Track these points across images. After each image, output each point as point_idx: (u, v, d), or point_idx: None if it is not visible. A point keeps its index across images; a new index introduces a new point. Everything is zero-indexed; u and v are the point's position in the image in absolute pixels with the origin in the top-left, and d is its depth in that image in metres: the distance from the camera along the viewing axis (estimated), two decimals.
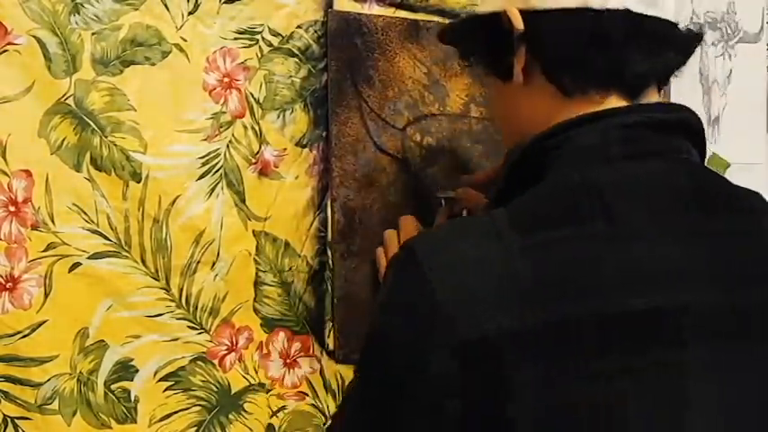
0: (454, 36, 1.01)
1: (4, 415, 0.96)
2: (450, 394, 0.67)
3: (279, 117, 1.09)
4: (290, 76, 1.10)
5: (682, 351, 0.69)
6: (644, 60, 0.77)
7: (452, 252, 0.71)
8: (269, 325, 1.10)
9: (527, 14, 0.79)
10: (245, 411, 1.09)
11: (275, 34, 1.09)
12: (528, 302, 0.67)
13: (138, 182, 1.01)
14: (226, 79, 1.06)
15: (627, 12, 0.76)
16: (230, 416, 1.08)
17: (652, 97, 0.80)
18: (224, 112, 1.06)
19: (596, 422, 0.67)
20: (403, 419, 0.71)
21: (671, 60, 0.81)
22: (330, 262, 1.13)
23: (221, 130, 1.06)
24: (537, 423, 0.66)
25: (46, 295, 0.98)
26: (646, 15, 0.77)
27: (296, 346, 1.11)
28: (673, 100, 1.37)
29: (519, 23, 0.79)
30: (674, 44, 0.80)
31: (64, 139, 0.98)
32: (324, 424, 1.13)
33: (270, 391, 1.10)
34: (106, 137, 1.00)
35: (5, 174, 0.96)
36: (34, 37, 0.96)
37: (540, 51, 0.80)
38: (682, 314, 0.70)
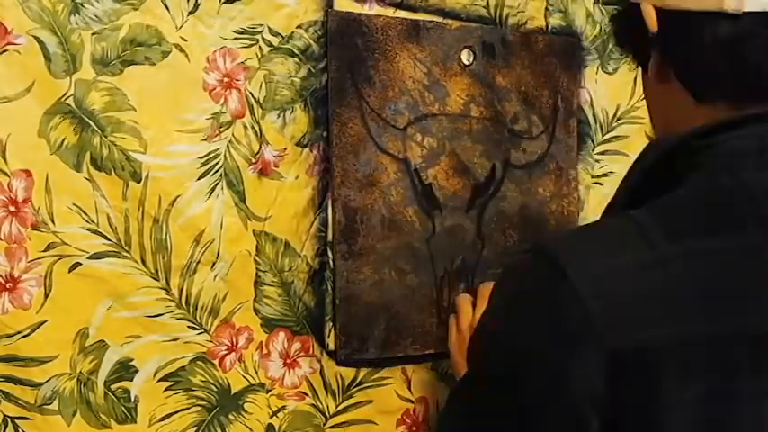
0: (615, 22, 0.94)
1: (4, 415, 0.97)
2: (595, 407, 0.64)
3: (279, 117, 1.09)
4: (291, 76, 1.10)
5: None
6: None
7: (600, 260, 0.66)
8: (269, 325, 1.10)
9: (662, 14, 0.74)
10: (245, 411, 1.09)
11: (275, 34, 1.09)
12: (684, 315, 0.64)
13: (138, 182, 1.01)
14: (226, 79, 1.06)
15: (767, 15, 0.70)
16: (230, 416, 1.08)
17: None
18: (224, 112, 1.06)
19: None
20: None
21: None
22: (330, 262, 1.13)
23: (221, 130, 1.06)
24: None
25: (46, 295, 0.98)
26: None
27: (296, 346, 1.11)
28: None
29: (653, 24, 0.75)
30: None
31: (64, 139, 0.98)
32: (323, 424, 1.13)
33: (270, 391, 1.10)
34: (106, 137, 1.00)
35: (5, 174, 0.96)
36: (34, 37, 0.96)
37: (673, 55, 0.75)
38: None
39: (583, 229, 0.74)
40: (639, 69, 0.84)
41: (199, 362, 1.06)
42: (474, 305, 1.12)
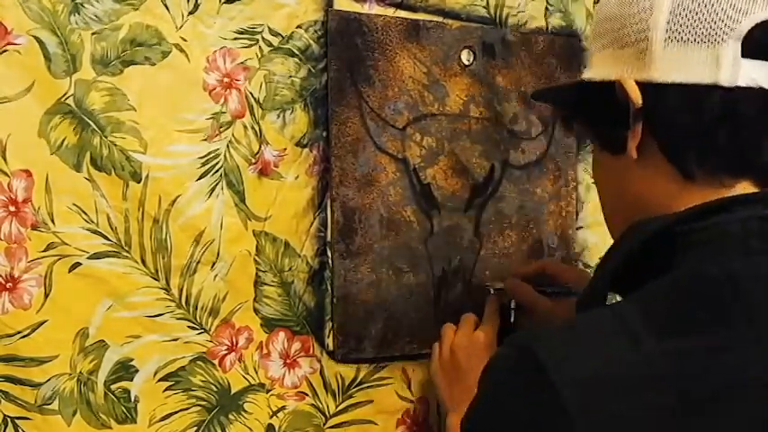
0: (556, 100, 0.94)
1: (4, 415, 0.96)
2: None
3: (279, 117, 1.09)
4: (290, 76, 1.10)
5: None
6: None
7: (582, 363, 0.63)
8: (269, 325, 1.10)
9: (645, 87, 0.72)
10: (245, 411, 1.09)
11: (275, 34, 1.09)
12: (665, 420, 0.61)
13: (138, 182, 1.01)
14: (226, 79, 1.06)
15: (761, 90, 0.69)
16: (230, 416, 1.08)
17: None
18: (224, 112, 1.06)
19: None
20: None
21: None
22: (330, 262, 1.13)
23: (221, 130, 1.06)
24: None
25: (46, 295, 0.98)
26: None
27: (296, 346, 1.11)
28: None
29: (637, 98, 0.72)
30: None
31: (64, 139, 0.98)
32: (323, 424, 1.13)
33: (270, 391, 1.10)
34: (106, 137, 1.00)
35: (5, 174, 0.96)
36: (34, 37, 0.96)
37: (660, 130, 0.73)
38: None
39: (568, 327, 0.70)
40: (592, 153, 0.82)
41: (199, 362, 1.06)
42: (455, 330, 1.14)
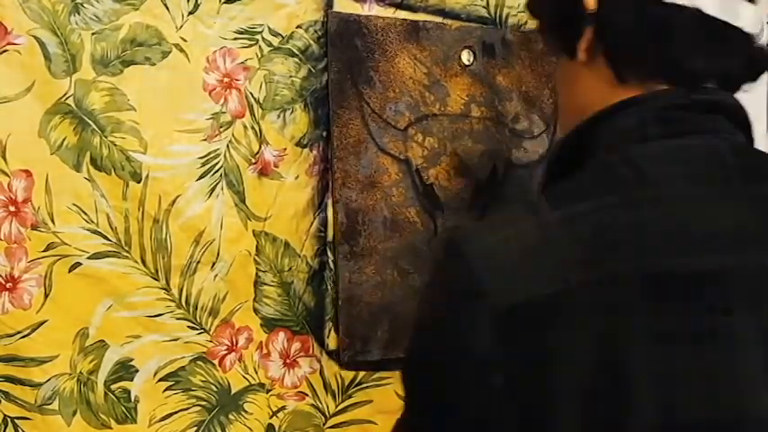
0: (531, 6, 0.99)
1: (5, 415, 0.97)
2: (494, 368, 0.67)
3: (279, 117, 1.09)
4: (291, 76, 1.10)
5: (729, 317, 0.68)
6: (703, 60, 0.76)
7: (489, 235, 0.72)
8: (269, 325, 1.10)
9: None
10: (245, 411, 1.09)
11: (275, 34, 1.09)
12: (567, 267, 0.67)
13: (138, 182, 1.01)
14: (226, 79, 1.06)
15: (697, 11, 0.75)
16: (230, 416, 1.08)
17: None
18: (224, 112, 1.06)
19: (641, 384, 0.66)
20: (453, 401, 0.71)
21: (734, 67, 0.78)
22: (330, 262, 1.12)
23: (221, 130, 1.06)
24: (579, 387, 0.66)
25: (46, 295, 0.98)
26: (717, 19, 0.75)
27: (295, 346, 1.11)
28: None
29: (591, 2, 0.78)
30: (741, 54, 0.78)
31: (64, 139, 0.98)
32: (323, 424, 1.13)
33: (270, 391, 1.10)
34: (106, 137, 1.00)
35: (5, 174, 0.96)
36: (34, 37, 0.96)
37: (606, 35, 0.79)
38: (729, 277, 0.68)
39: (487, 217, 0.83)
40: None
41: (199, 362, 1.06)
42: None
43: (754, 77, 0.81)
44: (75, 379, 1.00)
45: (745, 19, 0.76)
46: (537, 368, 0.66)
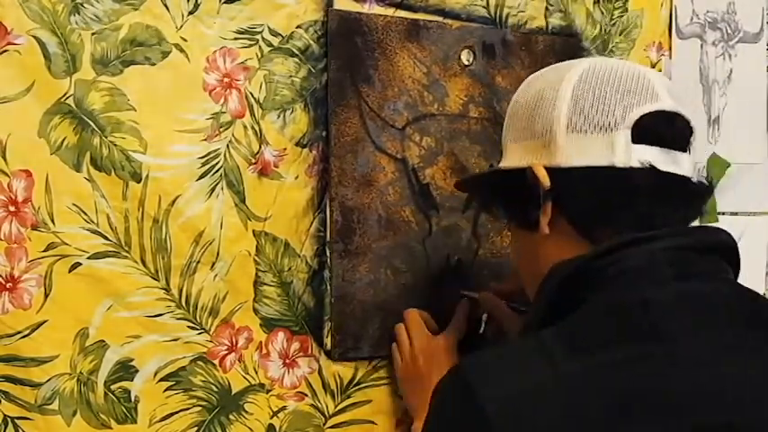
0: (474, 188, 1.04)
1: (5, 415, 0.97)
2: None
3: (279, 117, 1.09)
4: (290, 76, 1.10)
5: None
6: (669, 212, 0.81)
7: (507, 383, 0.71)
8: (268, 325, 1.10)
9: (552, 171, 0.82)
10: (246, 411, 1.09)
11: (275, 34, 1.09)
12: (585, 427, 0.67)
13: (138, 182, 1.01)
14: (226, 79, 1.06)
15: (651, 168, 0.79)
16: (230, 416, 1.08)
17: None
18: (224, 112, 1.06)
19: None
20: None
21: (692, 211, 0.84)
22: (329, 261, 1.13)
23: (221, 130, 1.06)
24: None
25: (46, 295, 0.98)
26: (667, 172, 0.80)
27: (295, 346, 1.11)
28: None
29: (546, 181, 0.82)
30: (694, 197, 0.84)
31: (64, 139, 0.98)
32: (323, 424, 1.13)
33: (270, 391, 1.10)
34: (106, 137, 1.00)
35: (5, 174, 0.96)
36: (34, 37, 0.96)
37: (567, 206, 0.83)
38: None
39: (496, 352, 0.80)
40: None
41: (199, 362, 1.06)
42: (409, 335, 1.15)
43: (700, 212, 0.86)
44: (76, 379, 1.00)
45: (685, 167, 0.82)
46: None
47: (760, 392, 0.71)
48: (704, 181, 0.85)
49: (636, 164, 0.79)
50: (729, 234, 0.83)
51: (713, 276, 0.79)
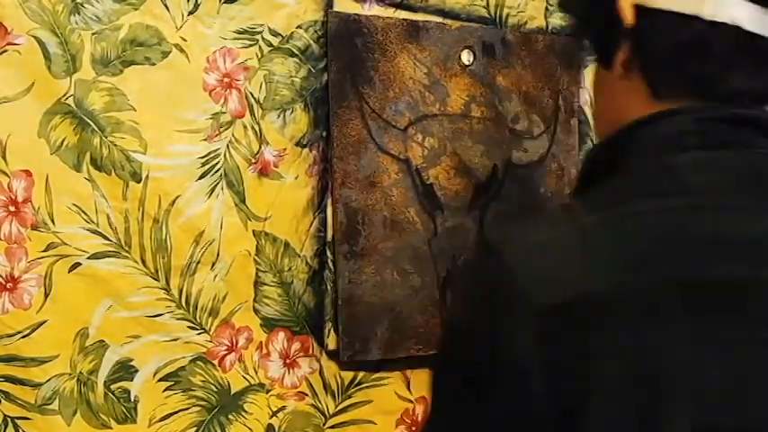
0: (569, 7, 0.97)
1: (5, 415, 0.97)
2: (534, 370, 0.66)
3: (279, 117, 1.09)
4: (291, 76, 1.10)
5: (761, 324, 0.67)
6: (743, 78, 0.76)
7: (528, 236, 0.71)
8: (269, 325, 1.10)
9: (639, 8, 0.77)
10: (245, 411, 1.09)
11: (275, 34, 1.09)
12: (605, 270, 0.67)
13: (138, 182, 1.01)
14: (226, 79, 1.06)
15: (736, 28, 0.74)
16: (230, 416, 1.08)
17: None
18: (224, 112, 1.06)
19: (676, 390, 0.65)
20: (491, 406, 0.69)
21: None
22: (330, 262, 1.12)
23: (221, 130, 1.06)
24: (618, 392, 0.65)
25: (46, 295, 0.98)
26: (757, 34, 0.74)
27: (295, 346, 1.11)
28: None
29: (628, 16, 0.77)
30: None
31: (64, 139, 0.98)
32: (323, 424, 1.13)
33: (270, 391, 1.10)
34: (106, 137, 1.00)
35: (5, 174, 0.96)
36: (34, 37, 0.96)
37: (642, 50, 0.78)
38: (766, 287, 0.68)
39: (522, 218, 0.80)
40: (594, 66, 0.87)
41: (199, 362, 1.06)
42: None
43: None
44: (76, 379, 1.00)
45: None
46: (578, 369, 0.65)
47: None
48: None
49: (723, 19, 0.73)
50: None
51: (746, 147, 0.75)
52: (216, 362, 1.07)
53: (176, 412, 1.05)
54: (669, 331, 0.65)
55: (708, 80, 0.75)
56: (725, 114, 0.75)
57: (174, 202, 1.03)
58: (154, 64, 1.02)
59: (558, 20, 1.28)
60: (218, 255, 1.06)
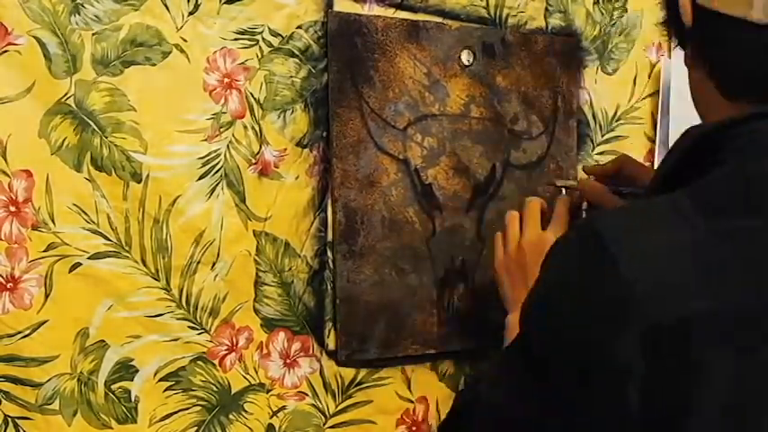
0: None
1: (5, 415, 0.97)
2: (634, 380, 0.65)
3: (279, 117, 1.09)
4: (291, 77, 1.10)
5: None
6: None
7: (640, 238, 0.69)
8: (269, 325, 1.10)
9: (698, 10, 0.77)
10: (246, 411, 1.09)
11: (275, 35, 1.09)
12: (719, 288, 0.65)
13: (139, 182, 1.01)
14: (226, 79, 1.06)
15: None
16: (230, 416, 1.08)
17: None
18: (224, 113, 1.06)
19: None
20: (582, 410, 0.69)
21: None
22: (330, 262, 1.13)
23: (221, 130, 1.06)
24: (723, 409, 0.64)
25: (46, 295, 0.98)
26: None
27: (296, 346, 1.12)
28: (673, 100, 1.37)
29: (688, 19, 0.78)
30: None
31: (64, 140, 0.98)
32: (323, 424, 1.13)
33: (270, 391, 1.10)
34: (106, 137, 1.00)
35: (6, 174, 0.96)
36: (34, 37, 0.96)
37: (704, 50, 0.79)
38: None
39: (627, 209, 0.76)
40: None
41: (199, 362, 1.06)
42: (521, 225, 1.12)
43: None
44: (76, 379, 1.00)
45: None
46: (677, 386, 0.64)
47: None
48: None
49: None
50: None
51: None
52: (216, 362, 1.07)
53: (177, 412, 1.05)
54: (764, 355, 0.64)
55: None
56: None
57: (174, 202, 1.03)
58: (154, 64, 1.02)
59: (557, 20, 1.29)
60: (218, 255, 1.06)
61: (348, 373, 1.15)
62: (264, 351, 1.10)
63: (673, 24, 0.83)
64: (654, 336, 0.64)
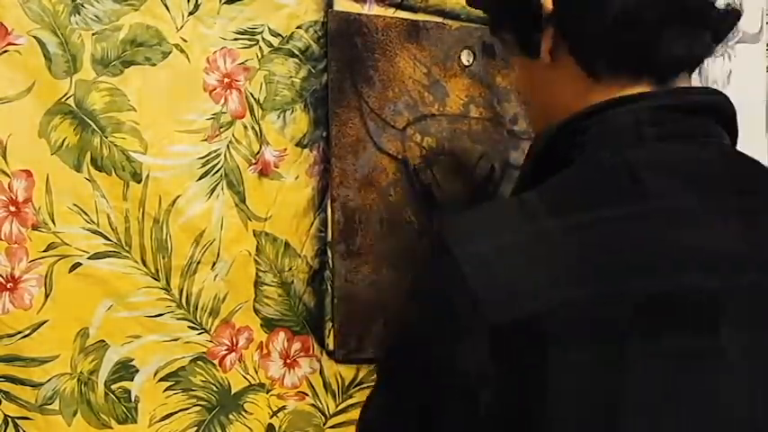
0: (483, 4, 0.96)
1: (5, 415, 0.97)
2: (482, 383, 0.65)
3: (279, 117, 1.09)
4: (291, 77, 1.10)
5: (720, 338, 0.66)
6: (678, 43, 0.74)
7: (484, 238, 0.68)
8: (269, 325, 1.10)
9: None
10: (246, 411, 1.09)
11: (275, 35, 1.09)
12: (564, 283, 0.65)
13: (139, 182, 1.01)
14: (226, 79, 1.06)
15: None
16: (230, 416, 1.08)
17: (683, 82, 0.77)
18: (224, 113, 1.06)
19: (629, 408, 0.64)
20: (434, 412, 0.69)
21: (706, 44, 0.76)
22: (330, 262, 1.13)
23: (221, 130, 1.06)
24: (570, 408, 0.64)
25: (46, 295, 0.98)
26: None
27: (296, 346, 1.12)
28: None
29: (548, 2, 0.76)
30: (711, 25, 0.76)
31: (64, 140, 0.98)
32: (323, 424, 1.13)
33: (270, 391, 1.10)
34: (106, 137, 1.00)
35: (6, 174, 0.96)
36: (35, 37, 0.96)
37: (569, 32, 0.76)
38: (723, 298, 0.66)
39: (473, 210, 0.75)
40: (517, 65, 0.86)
41: (199, 362, 1.06)
42: None
43: (715, 46, 0.78)
44: (76, 379, 1.00)
45: None
46: (530, 386, 0.64)
47: (748, 257, 0.68)
48: (732, 7, 0.77)
49: None
50: (726, 97, 0.76)
51: (702, 137, 0.74)
52: (216, 362, 1.07)
53: (177, 412, 1.05)
54: (621, 349, 0.64)
55: (643, 51, 0.74)
56: (680, 101, 0.74)
57: (174, 202, 1.03)
58: (154, 64, 1.02)
59: None
60: (218, 255, 1.06)
61: (348, 373, 1.15)
62: (264, 351, 1.10)
63: (521, 22, 0.80)
64: (497, 337, 0.65)
